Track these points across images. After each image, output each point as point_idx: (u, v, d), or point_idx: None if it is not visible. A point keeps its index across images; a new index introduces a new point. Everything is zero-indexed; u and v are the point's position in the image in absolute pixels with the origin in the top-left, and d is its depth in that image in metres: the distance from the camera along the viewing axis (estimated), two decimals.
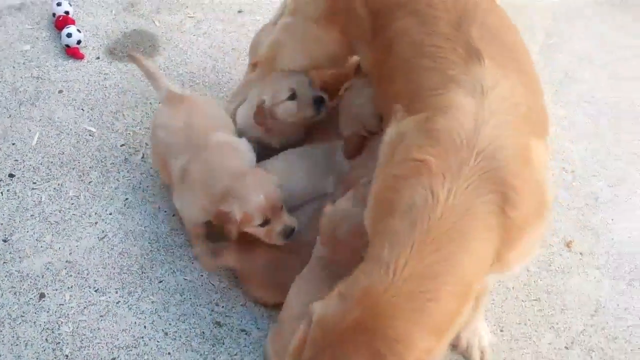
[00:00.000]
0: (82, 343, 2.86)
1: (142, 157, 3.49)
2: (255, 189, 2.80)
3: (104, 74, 3.88)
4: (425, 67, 2.39)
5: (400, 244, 2.03)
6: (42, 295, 2.99)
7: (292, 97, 3.19)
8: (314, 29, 3.02)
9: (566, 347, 2.98)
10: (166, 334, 2.90)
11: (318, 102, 3.20)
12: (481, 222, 2.07)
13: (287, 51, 3.20)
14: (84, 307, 2.97)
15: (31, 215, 3.23)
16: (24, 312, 2.93)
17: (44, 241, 3.15)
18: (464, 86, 2.24)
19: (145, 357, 2.85)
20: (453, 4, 2.48)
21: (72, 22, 4.03)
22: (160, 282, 3.06)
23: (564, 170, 3.71)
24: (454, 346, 2.92)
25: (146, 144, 3.54)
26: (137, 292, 3.03)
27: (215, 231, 2.98)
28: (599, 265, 3.29)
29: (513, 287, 3.14)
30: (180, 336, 2.91)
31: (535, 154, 2.22)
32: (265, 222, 2.83)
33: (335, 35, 2.97)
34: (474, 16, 2.43)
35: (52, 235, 3.17)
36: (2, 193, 3.30)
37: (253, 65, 3.48)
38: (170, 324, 2.94)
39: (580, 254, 3.33)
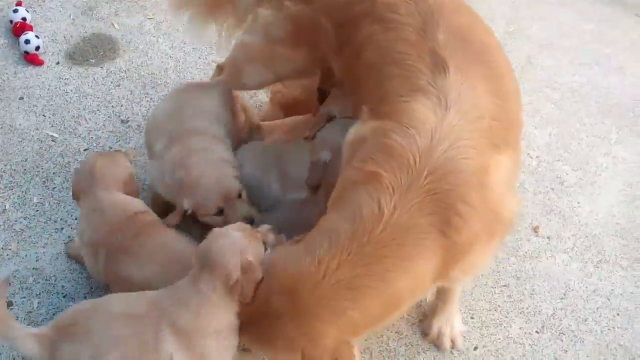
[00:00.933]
0: None
1: None
2: (207, 180, 2.80)
3: (65, 79, 3.85)
4: (393, 74, 2.38)
5: (339, 246, 2.08)
6: (10, 304, 2.95)
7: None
8: (279, 49, 3.00)
9: (537, 332, 3.00)
10: None
11: None
12: (421, 242, 2.11)
13: (250, 69, 3.16)
14: (53, 314, 2.93)
15: None
16: None
17: (10, 249, 3.11)
18: (429, 98, 2.23)
19: None
20: (416, 9, 2.47)
21: (30, 28, 3.99)
22: None
23: (529, 155, 3.74)
24: (425, 334, 2.93)
25: (110, 147, 3.51)
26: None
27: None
28: (567, 248, 3.32)
29: (482, 275, 3.15)
30: None
31: (494, 174, 2.22)
32: (220, 212, 2.82)
33: (302, 52, 2.96)
34: (439, 20, 2.42)
35: (18, 242, 3.14)
36: None
37: (220, 68, 3.44)
38: None
39: (548, 238, 3.36)
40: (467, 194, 2.13)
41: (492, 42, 2.56)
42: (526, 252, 3.29)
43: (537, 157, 3.74)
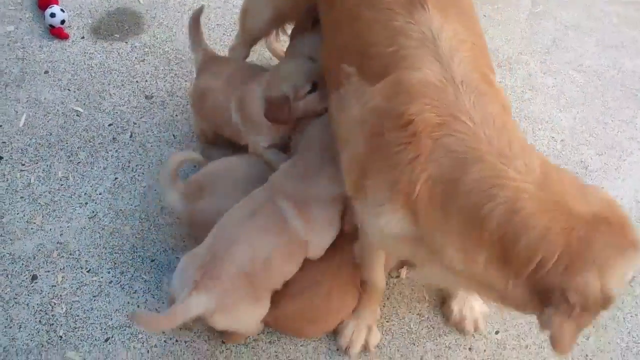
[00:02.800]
0: (76, 324, 2.87)
1: (130, 136, 3.47)
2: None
3: (89, 54, 3.85)
4: (369, 20, 2.35)
5: None
6: (34, 277, 2.98)
7: (314, 89, 2.94)
8: None
9: None
10: (159, 312, 2.90)
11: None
12: None
13: (254, 3, 3.23)
14: (77, 288, 2.96)
15: (21, 197, 3.22)
16: (16, 295, 2.93)
17: (35, 223, 3.14)
18: (412, 37, 2.22)
19: (139, 336, 2.85)
20: None
21: (56, 2, 3.98)
22: (152, 260, 3.06)
23: (553, 139, 3.72)
24: (447, 318, 2.93)
25: (134, 122, 3.52)
26: (129, 271, 3.02)
27: None
28: None
29: None
30: None
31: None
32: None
33: None
34: None
35: (43, 216, 3.16)
36: None
37: None
38: (163, 303, 2.93)
39: None
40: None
41: None
42: None
43: (561, 140, 3.72)
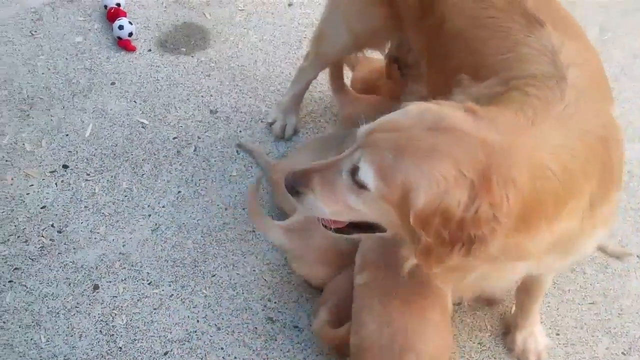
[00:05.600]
0: (136, 336, 2.87)
1: (194, 150, 3.48)
2: None
3: (156, 66, 3.88)
4: (485, 38, 2.34)
5: None
6: (96, 287, 3.00)
7: None
8: (358, 1, 3.01)
9: (623, 353, 2.92)
10: (219, 328, 2.90)
11: None
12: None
13: (331, 27, 3.21)
14: (138, 300, 2.97)
15: (85, 207, 3.24)
16: (78, 304, 2.95)
17: (98, 233, 3.16)
18: (532, 46, 2.19)
19: (198, 351, 2.85)
20: None
21: (124, 14, 4.03)
22: (213, 276, 3.06)
23: None
24: (510, 349, 2.88)
25: (198, 137, 3.54)
26: (190, 285, 3.03)
27: None
28: None
29: (569, 290, 3.09)
30: (232, 331, 2.91)
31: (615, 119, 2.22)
32: None
33: (380, 8, 2.94)
34: None
35: (106, 226, 3.18)
36: (56, 184, 3.32)
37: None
38: (223, 319, 2.93)
39: (638, 257, 3.27)
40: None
41: (573, 17, 2.50)
42: (615, 270, 3.19)
43: (628, 171, 3.63)
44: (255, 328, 2.91)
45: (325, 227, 2.20)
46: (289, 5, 4.32)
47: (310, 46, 3.41)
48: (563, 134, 1.96)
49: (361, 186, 1.95)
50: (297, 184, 2.10)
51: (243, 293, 3.02)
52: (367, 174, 1.92)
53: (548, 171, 1.90)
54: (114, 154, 3.45)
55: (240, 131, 3.58)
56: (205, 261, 3.10)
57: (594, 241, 2.33)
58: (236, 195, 3.31)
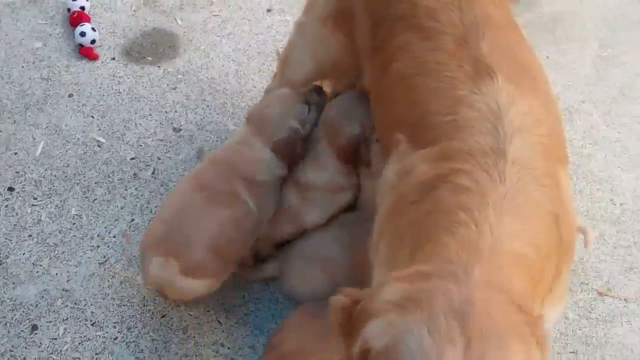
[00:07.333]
0: None
1: (152, 173, 3.24)
2: None
3: (118, 77, 3.62)
4: (428, 87, 2.13)
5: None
6: (34, 327, 2.76)
7: None
8: (321, 30, 2.83)
9: None
10: None
11: None
12: None
13: (296, 53, 3.06)
14: (79, 343, 2.74)
15: (29, 236, 3.00)
16: (13, 347, 2.71)
17: (41, 265, 2.92)
18: (475, 107, 1.98)
19: None
20: (460, 18, 2.19)
21: (87, 20, 3.77)
22: (163, 316, 2.82)
23: (612, 202, 3.38)
24: None
25: (158, 158, 3.29)
26: (137, 327, 2.79)
27: None
28: None
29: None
30: None
31: (565, 183, 2.03)
32: None
33: (340, 38, 2.77)
34: (483, 31, 2.15)
35: (50, 259, 2.94)
36: (0, 209, 3.08)
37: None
38: None
39: (625, 300, 3.02)
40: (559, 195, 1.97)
41: (537, 64, 2.31)
42: (599, 315, 2.96)
43: (621, 204, 3.38)
44: None
45: None
46: (268, 10, 4.06)
47: (277, 68, 3.24)
48: (514, 227, 1.79)
49: None
50: None
51: (194, 336, 2.77)
52: None
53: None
54: (65, 176, 3.20)
55: (204, 151, 3.33)
56: (155, 300, 2.85)
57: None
58: None
